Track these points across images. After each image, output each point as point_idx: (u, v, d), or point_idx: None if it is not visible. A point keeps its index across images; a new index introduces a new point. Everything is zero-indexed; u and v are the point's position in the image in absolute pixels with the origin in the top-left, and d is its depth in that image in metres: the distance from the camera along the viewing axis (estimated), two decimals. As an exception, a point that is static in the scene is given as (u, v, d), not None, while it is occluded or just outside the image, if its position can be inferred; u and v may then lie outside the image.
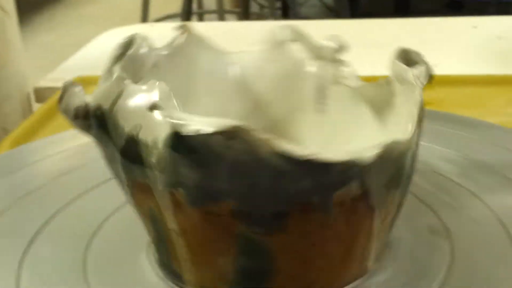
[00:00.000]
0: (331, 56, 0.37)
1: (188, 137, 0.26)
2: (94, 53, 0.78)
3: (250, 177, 0.27)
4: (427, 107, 0.31)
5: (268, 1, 2.33)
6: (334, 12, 2.73)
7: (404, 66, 0.32)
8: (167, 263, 0.32)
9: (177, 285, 0.32)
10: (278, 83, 0.38)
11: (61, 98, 0.30)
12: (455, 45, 0.78)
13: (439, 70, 0.66)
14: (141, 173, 0.29)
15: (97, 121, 0.30)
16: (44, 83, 0.71)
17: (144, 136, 0.28)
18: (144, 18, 2.44)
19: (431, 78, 0.32)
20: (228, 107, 0.38)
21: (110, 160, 0.31)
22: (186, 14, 2.22)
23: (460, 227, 0.35)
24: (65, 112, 0.31)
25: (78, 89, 0.30)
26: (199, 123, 0.26)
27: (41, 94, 0.70)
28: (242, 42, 0.45)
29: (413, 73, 0.31)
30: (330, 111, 0.37)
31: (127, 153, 0.29)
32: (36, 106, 0.70)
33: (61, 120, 0.60)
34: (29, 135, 0.55)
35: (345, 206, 0.28)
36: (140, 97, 0.28)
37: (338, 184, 0.27)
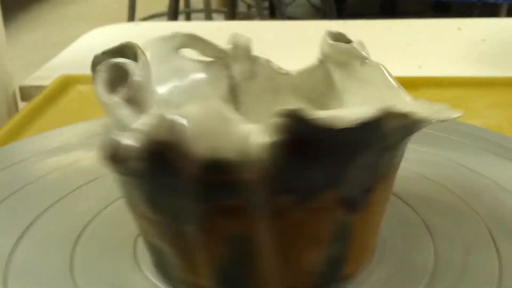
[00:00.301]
0: (241, 54, 0.37)
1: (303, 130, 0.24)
2: (80, 52, 0.78)
3: (353, 159, 0.26)
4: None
5: (255, 0, 2.33)
6: (321, 13, 2.74)
7: (346, 44, 0.32)
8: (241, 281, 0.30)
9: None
10: (190, 90, 0.37)
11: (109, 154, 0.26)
12: (439, 46, 0.79)
13: (423, 71, 0.68)
14: (227, 195, 0.26)
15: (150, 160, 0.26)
16: (29, 81, 0.71)
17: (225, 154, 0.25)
18: (131, 17, 2.44)
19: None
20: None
21: (161, 196, 0.27)
22: (173, 13, 2.21)
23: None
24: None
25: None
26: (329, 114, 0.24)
27: (26, 93, 0.70)
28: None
29: (356, 46, 0.32)
30: (247, 106, 0.37)
31: (205, 179, 0.26)
32: (22, 105, 0.70)
33: (46, 118, 0.60)
34: (14, 134, 0.55)
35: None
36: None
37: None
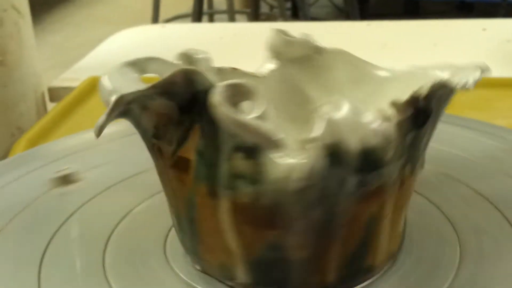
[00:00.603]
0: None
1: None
2: (107, 53, 0.79)
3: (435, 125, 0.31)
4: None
5: (278, 1, 2.33)
6: (344, 13, 2.73)
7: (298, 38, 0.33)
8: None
9: None
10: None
11: None
12: (464, 47, 0.79)
13: (449, 72, 0.68)
14: (376, 178, 0.28)
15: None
16: (57, 82, 0.72)
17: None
18: (155, 19, 2.45)
19: None
20: None
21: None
22: (197, 14, 2.22)
23: None
24: None
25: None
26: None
27: (55, 94, 0.71)
28: (252, 43, 0.45)
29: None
30: None
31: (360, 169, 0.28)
32: (50, 106, 0.71)
33: (74, 119, 0.61)
34: (44, 135, 0.56)
35: None
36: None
37: None
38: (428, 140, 0.31)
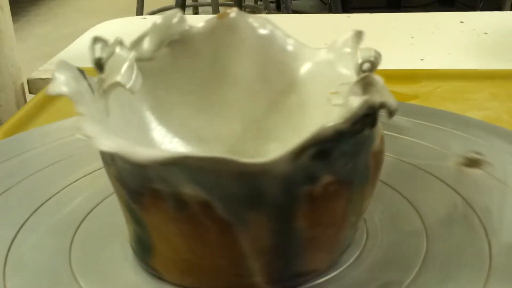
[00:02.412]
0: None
1: None
2: (87, 45, 0.78)
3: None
4: (413, 102, 0.30)
5: (262, -6, 2.34)
6: (328, 6, 2.74)
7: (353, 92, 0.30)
8: None
9: None
10: (324, 88, 0.36)
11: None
12: (442, 40, 0.79)
13: (426, 64, 0.69)
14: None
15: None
16: (37, 74, 0.72)
17: None
18: (140, 11, 2.45)
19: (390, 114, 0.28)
20: (278, 97, 0.38)
21: None
22: (181, 7, 2.22)
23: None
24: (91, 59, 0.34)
25: (103, 44, 0.34)
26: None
27: (34, 85, 0.70)
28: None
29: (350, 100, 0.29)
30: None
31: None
32: (30, 97, 0.71)
33: (53, 110, 0.61)
34: (22, 126, 0.56)
35: (193, 208, 0.28)
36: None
37: (170, 182, 0.27)
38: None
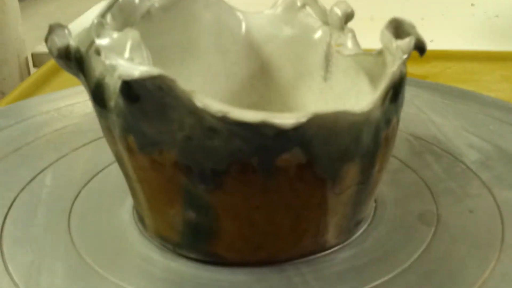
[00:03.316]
0: (337, 23, 0.36)
1: (131, 83, 0.26)
2: (90, 21, 0.77)
3: (186, 130, 0.26)
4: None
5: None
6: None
7: (390, 36, 0.31)
8: (135, 206, 0.33)
9: (142, 228, 0.33)
10: (287, 47, 0.38)
11: (46, 38, 0.31)
12: (452, 21, 0.78)
13: (435, 45, 0.67)
14: (105, 117, 0.29)
15: (76, 62, 0.30)
16: (41, 48, 0.71)
17: (109, 80, 0.28)
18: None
19: (422, 51, 0.30)
20: (235, 68, 0.37)
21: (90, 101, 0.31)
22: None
23: (452, 217, 0.33)
24: (50, 51, 0.31)
25: (63, 30, 0.31)
26: (125, 68, 0.26)
27: (38, 59, 0.70)
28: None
29: (397, 44, 0.30)
30: (334, 79, 0.36)
31: (96, 95, 0.29)
32: (34, 71, 0.70)
33: (56, 83, 0.60)
34: (24, 98, 0.55)
35: (289, 172, 0.27)
36: (111, 42, 0.29)
37: (276, 147, 0.26)
38: None
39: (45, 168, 0.38)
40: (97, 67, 0.29)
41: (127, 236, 0.32)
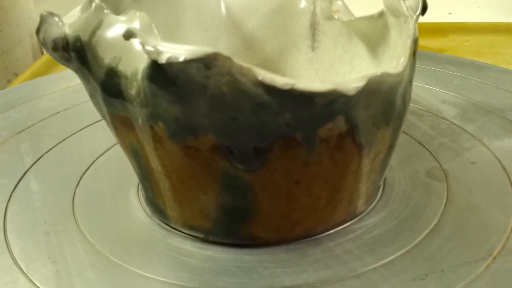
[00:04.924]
0: None
1: (166, 67, 0.24)
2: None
3: (230, 109, 0.25)
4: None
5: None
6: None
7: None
8: (152, 199, 0.31)
9: (162, 221, 0.31)
10: (270, 19, 0.37)
11: (38, 29, 0.28)
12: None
13: (453, 18, 0.67)
14: (122, 106, 0.28)
15: (76, 53, 0.28)
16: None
17: (124, 68, 0.27)
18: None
19: (424, 10, 0.31)
20: (218, 44, 0.37)
21: (91, 94, 0.29)
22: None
23: (458, 170, 0.34)
24: (44, 44, 0.29)
25: (56, 20, 0.28)
26: (177, 51, 0.24)
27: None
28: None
29: (406, 4, 0.30)
30: (324, 47, 0.36)
31: (107, 86, 0.28)
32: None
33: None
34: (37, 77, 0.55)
35: (330, 143, 0.27)
36: (119, 27, 0.27)
37: (322, 118, 0.26)
38: None
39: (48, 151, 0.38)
40: (106, 55, 0.27)
41: (148, 231, 0.31)
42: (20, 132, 0.41)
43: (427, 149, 0.36)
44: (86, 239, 0.30)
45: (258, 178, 0.27)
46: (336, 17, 0.36)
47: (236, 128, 0.26)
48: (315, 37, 0.37)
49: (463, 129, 0.38)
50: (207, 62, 0.24)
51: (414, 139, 0.37)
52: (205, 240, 0.30)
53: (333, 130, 0.26)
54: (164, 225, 0.31)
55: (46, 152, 0.38)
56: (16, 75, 0.67)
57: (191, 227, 0.30)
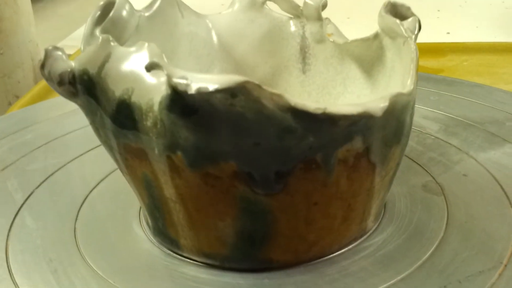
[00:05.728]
0: (314, 14, 0.36)
1: (189, 97, 0.24)
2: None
3: (253, 135, 0.25)
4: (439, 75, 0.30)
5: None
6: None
7: (393, 19, 0.31)
8: (162, 229, 0.31)
9: (172, 251, 0.31)
10: (259, 45, 0.38)
11: (43, 64, 0.28)
12: (468, 13, 0.77)
13: (452, 38, 0.67)
14: (135, 138, 0.27)
15: (84, 87, 0.28)
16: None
17: (137, 99, 0.26)
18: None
19: (418, 30, 0.32)
20: (211, 70, 0.37)
21: (98, 127, 0.29)
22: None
23: (453, 183, 0.35)
24: (49, 79, 0.28)
25: (61, 54, 0.28)
26: (202, 81, 0.24)
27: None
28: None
29: (404, 26, 0.31)
30: (315, 70, 0.37)
31: (118, 118, 0.27)
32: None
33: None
34: (38, 101, 0.54)
35: (348, 163, 0.27)
36: (130, 59, 0.27)
37: (343, 139, 0.26)
38: None
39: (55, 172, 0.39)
40: (117, 88, 0.27)
41: (160, 262, 0.31)
42: (3, 170, 0.40)
43: (419, 164, 0.37)
44: (97, 275, 0.30)
45: (278, 201, 0.27)
46: (332, 40, 0.36)
47: (259, 154, 0.26)
48: (306, 60, 0.37)
49: (449, 143, 0.40)
50: (236, 90, 0.24)
51: (405, 155, 0.38)
52: (221, 267, 0.30)
53: (351, 150, 0.27)
54: (175, 254, 0.31)
55: (36, 188, 0.37)
56: (17, 97, 0.67)
57: (206, 255, 0.30)
